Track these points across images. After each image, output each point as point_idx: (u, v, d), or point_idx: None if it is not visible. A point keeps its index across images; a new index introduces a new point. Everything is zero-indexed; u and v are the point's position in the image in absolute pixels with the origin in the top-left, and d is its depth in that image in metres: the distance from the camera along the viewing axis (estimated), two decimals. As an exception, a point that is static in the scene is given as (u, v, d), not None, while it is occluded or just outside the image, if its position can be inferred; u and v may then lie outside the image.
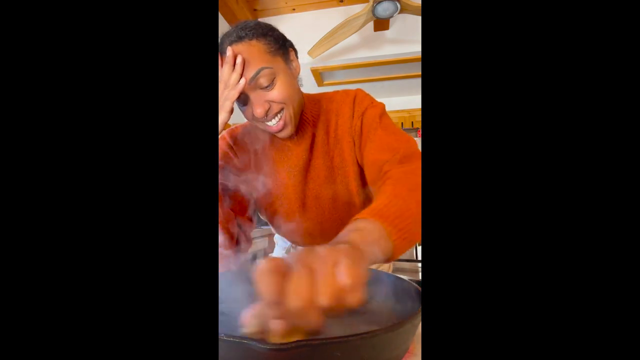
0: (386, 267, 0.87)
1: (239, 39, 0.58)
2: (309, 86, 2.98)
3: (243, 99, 0.59)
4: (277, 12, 2.50)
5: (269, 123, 0.61)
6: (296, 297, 0.25)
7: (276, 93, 0.58)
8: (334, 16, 2.31)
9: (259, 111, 0.57)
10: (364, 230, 0.37)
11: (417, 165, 0.52)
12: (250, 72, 0.56)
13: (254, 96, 0.58)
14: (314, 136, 0.70)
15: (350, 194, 0.71)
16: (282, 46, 0.61)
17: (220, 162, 0.73)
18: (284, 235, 0.84)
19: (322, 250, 0.28)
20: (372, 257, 0.35)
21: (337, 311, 0.26)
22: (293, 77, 0.63)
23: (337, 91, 0.73)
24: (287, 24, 2.54)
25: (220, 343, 0.26)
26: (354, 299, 0.26)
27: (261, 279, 0.26)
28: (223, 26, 2.22)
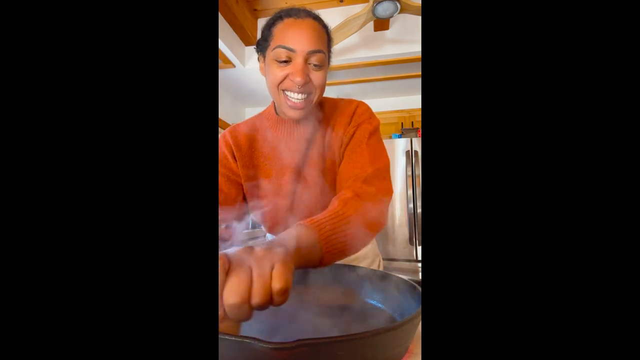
0: (376, 265, 0.88)
1: (317, 18, 0.64)
2: (309, 86, 2.97)
3: (286, 59, 0.62)
4: (277, 12, 2.49)
5: (295, 96, 0.63)
6: (231, 294, 0.28)
7: (318, 76, 0.63)
8: (334, 16, 2.31)
9: (298, 79, 0.60)
10: (301, 236, 0.42)
11: (377, 188, 0.60)
12: (314, 46, 0.61)
13: (300, 62, 0.61)
14: (313, 137, 0.73)
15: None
16: (330, 52, 0.68)
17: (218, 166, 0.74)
18: (273, 234, 0.85)
19: (260, 251, 0.32)
20: (302, 261, 0.40)
21: (263, 308, 0.30)
22: (326, 76, 0.68)
23: (342, 99, 0.76)
24: (287, 24, 2.53)
25: (222, 342, 0.26)
26: (280, 300, 0.30)
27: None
28: (223, 26, 2.22)
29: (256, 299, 0.29)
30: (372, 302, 0.50)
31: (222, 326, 0.30)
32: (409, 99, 3.44)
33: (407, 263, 2.45)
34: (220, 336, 0.26)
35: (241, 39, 2.47)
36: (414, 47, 2.33)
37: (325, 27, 0.66)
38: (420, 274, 2.38)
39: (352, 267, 0.54)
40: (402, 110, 3.38)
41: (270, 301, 0.30)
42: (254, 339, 0.25)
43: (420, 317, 0.33)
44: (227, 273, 0.29)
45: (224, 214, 0.72)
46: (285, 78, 0.62)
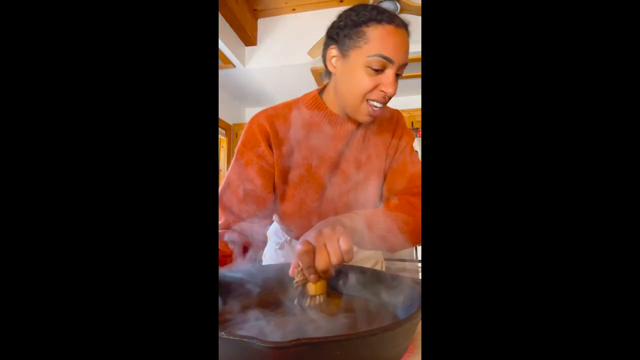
0: (379, 266, 0.87)
1: (404, 26, 0.61)
2: (308, 86, 2.97)
3: (380, 68, 0.60)
4: (277, 12, 2.50)
5: (379, 105, 0.63)
6: (321, 263, 0.45)
7: (396, 86, 0.62)
8: (334, 16, 2.31)
9: (391, 91, 0.61)
10: (353, 218, 0.55)
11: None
12: (407, 58, 0.61)
13: (393, 74, 0.60)
14: (353, 135, 0.73)
15: (366, 196, 0.73)
16: None
17: (249, 155, 0.68)
18: (296, 228, 0.78)
19: (327, 232, 0.47)
20: (355, 236, 0.54)
21: (340, 265, 0.46)
22: None
23: None
24: (287, 24, 2.53)
25: (220, 341, 0.26)
26: (349, 257, 0.46)
27: (300, 255, 0.46)
28: (223, 26, 2.22)
29: (334, 260, 0.45)
30: (373, 302, 0.50)
31: (313, 287, 0.47)
32: (409, 99, 3.44)
33: (407, 263, 2.45)
34: (219, 335, 0.26)
35: (241, 39, 2.46)
36: (414, 47, 2.32)
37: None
38: (420, 274, 2.37)
39: (355, 268, 0.54)
40: (402, 110, 3.37)
41: (344, 259, 0.45)
42: (253, 338, 0.25)
43: (420, 316, 0.33)
44: (314, 251, 0.45)
45: (250, 206, 0.66)
46: (374, 88, 0.60)
